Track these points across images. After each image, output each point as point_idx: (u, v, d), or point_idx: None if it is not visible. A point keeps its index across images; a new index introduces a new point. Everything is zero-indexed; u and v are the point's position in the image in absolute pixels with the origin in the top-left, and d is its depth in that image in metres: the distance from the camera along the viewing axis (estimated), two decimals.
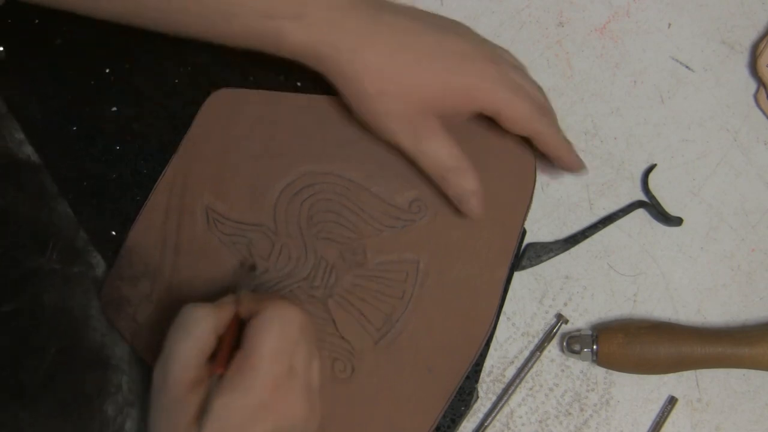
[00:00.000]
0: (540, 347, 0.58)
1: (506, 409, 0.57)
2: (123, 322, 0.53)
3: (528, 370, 0.57)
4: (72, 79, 0.60)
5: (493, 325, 0.55)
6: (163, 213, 0.56)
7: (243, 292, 0.50)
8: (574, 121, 0.61)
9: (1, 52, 0.59)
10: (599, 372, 0.58)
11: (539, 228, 0.60)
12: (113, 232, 0.57)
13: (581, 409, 0.57)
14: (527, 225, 0.58)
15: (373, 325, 0.55)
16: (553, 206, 0.60)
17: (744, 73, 0.62)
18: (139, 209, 0.57)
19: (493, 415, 0.57)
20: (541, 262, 0.59)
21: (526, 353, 0.58)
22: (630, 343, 0.55)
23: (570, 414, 0.57)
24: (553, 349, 0.58)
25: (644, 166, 0.60)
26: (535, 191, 0.57)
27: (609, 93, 0.62)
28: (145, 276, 0.54)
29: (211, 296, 0.51)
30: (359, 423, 0.54)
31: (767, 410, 0.57)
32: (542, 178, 0.60)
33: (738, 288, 0.59)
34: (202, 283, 0.55)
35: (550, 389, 0.58)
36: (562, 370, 0.58)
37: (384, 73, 0.51)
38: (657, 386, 0.58)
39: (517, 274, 0.58)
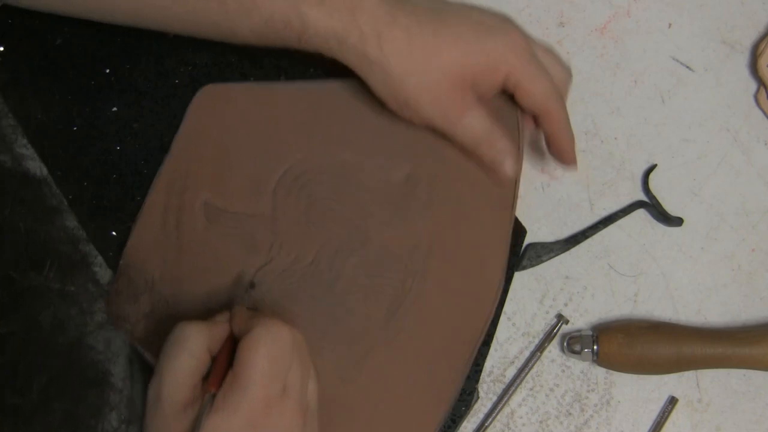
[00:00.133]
0: (540, 347, 0.58)
1: (507, 410, 0.57)
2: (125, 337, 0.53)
3: (528, 371, 0.57)
4: (72, 79, 0.60)
5: (502, 286, 0.55)
6: (162, 214, 0.56)
7: (237, 308, 0.49)
8: (575, 121, 0.60)
9: (2, 51, 0.59)
10: (600, 372, 0.58)
11: (539, 228, 0.60)
12: (113, 232, 0.57)
13: (582, 410, 0.57)
14: (528, 225, 0.58)
15: (381, 303, 0.54)
16: (553, 206, 0.60)
17: (744, 73, 0.62)
18: (139, 209, 0.57)
19: (493, 415, 0.57)
20: (542, 262, 0.59)
21: (527, 353, 0.58)
22: (630, 344, 0.55)
23: (570, 414, 0.57)
24: (553, 349, 0.58)
25: (645, 166, 0.60)
26: (531, 181, 0.57)
27: (609, 93, 0.62)
28: (144, 292, 0.54)
29: (212, 306, 0.51)
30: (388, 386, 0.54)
31: None
32: (543, 179, 0.60)
33: (738, 288, 0.59)
34: (204, 289, 0.55)
35: (551, 389, 0.58)
36: (563, 371, 0.58)
37: (409, 53, 0.50)
38: (657, 386, 0.58)
39: (517, 274, 0.58)
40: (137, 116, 0.59)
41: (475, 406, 0.57)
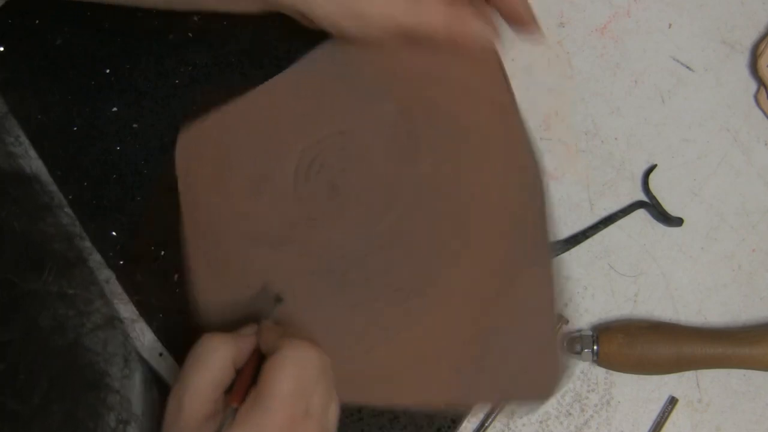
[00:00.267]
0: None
1: (506, 410, 0.57)
2: None
3: None
4: (72, 79, 0.60)
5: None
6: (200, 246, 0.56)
7: (264, 323, 0.49)
8: (575, 121, 0.61)
9: (2, 51, 0.59)
10: (600, 372, 0.58)
11: None
12: (113, 233, 0.57)
13: (582, 410, 0.57)
14: None
15: (430, 247, 0.54)
16: (553, 206, 0.60)
17: (744, 73, 0.62)
18: (139, 209, 0.57)
19: (493, 415, 0.57)
20: None
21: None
22: (630, 344, 0.55)
23: (570, 414, 0.57)
24: None
25: (645, 166, 0.60)
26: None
27: (609, 93, 0.62)
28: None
29: (236, 318, 0.51)
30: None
31: None
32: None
33: (738, 288, 0.59)
34: (230, 298, 0.55)
35: None
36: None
37: None
38: (657, 386, 0.58)
39: None
40: (137, 116, 0.59)
41: (475, 406, 0.57)
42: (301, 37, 0.56)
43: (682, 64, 0.62)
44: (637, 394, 0.57)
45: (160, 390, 0.56)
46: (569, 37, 0.62)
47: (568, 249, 0.59)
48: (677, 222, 0.59)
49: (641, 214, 0.60)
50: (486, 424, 0.57)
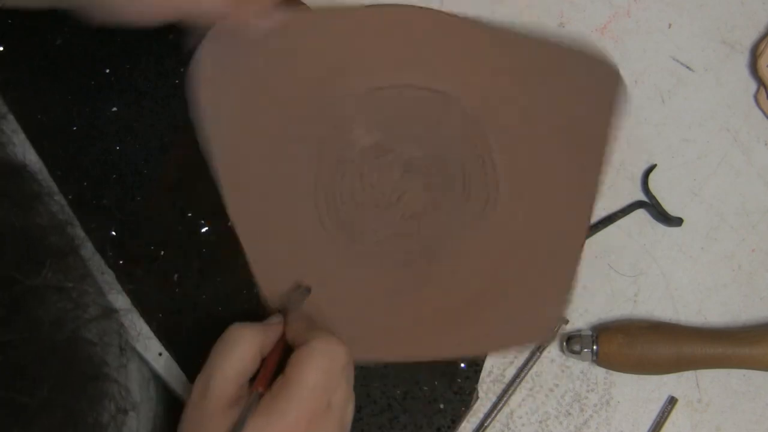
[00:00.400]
0: (540, 347, 0.58)
1: (506, 410, 0.57)
2: None
3: (528, 371, 0.57)
4: (72, 79, 0.60)
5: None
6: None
7: (293, 316, 0.50)
8: None
9: (2, 51, 0.59)
10: (599, 372, 0.58)
11: None
12: (113, 232, 0.58)
13: (581, 410, 0.57)
14: None
15: (491, 167, 0.56)
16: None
17: (744, 73, 0.62)
18: (139, 209, 0.57)
19: (493, 415, 0.57)
20: None
21: (526, 353, 0.58)
22: (630, 344, 0.55)
23: (570, 414, 0.57)
24: (553, 349, 0.58)
25: (644, 166, 0.60)
26: None
27: None
28: None
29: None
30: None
31: None
32: None
33: (738, 288, 0.59)
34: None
35: (550, 389, 0.58)
36: (562, 371, 0.58)
37: None
38: (657, 386, 0.58)
39: None
40: (137, 116, 0.59)
41: (475, 406, 0.57)
42: None
43: (682, 64, 0.62)
44: (637, 394, 0.57)
45: (156, 382, 0.57)
46: None
47: None
48: (677, 222, 0.59)
49: (641, 214, 0.60)
50: (485, 424, 0.57)
